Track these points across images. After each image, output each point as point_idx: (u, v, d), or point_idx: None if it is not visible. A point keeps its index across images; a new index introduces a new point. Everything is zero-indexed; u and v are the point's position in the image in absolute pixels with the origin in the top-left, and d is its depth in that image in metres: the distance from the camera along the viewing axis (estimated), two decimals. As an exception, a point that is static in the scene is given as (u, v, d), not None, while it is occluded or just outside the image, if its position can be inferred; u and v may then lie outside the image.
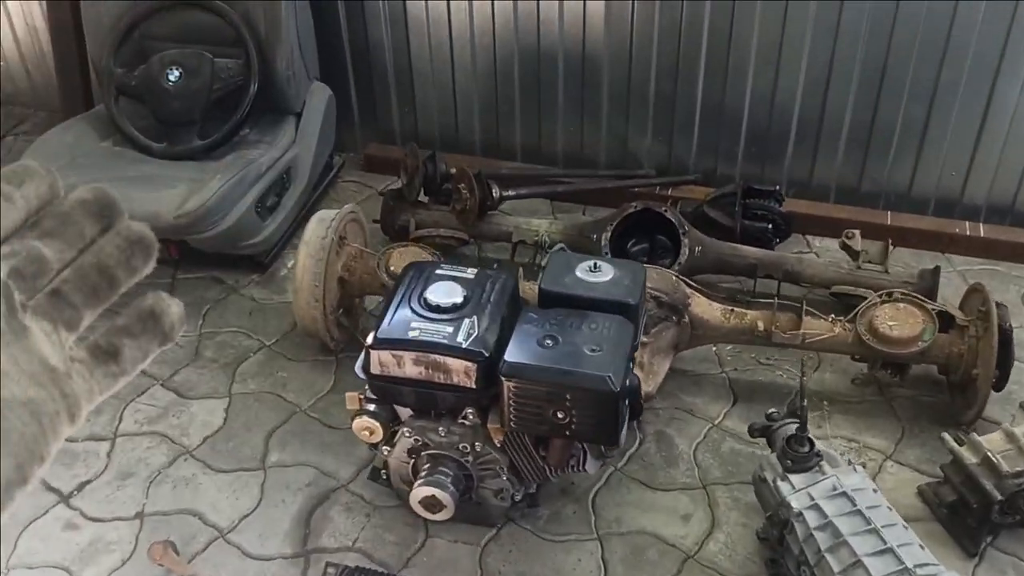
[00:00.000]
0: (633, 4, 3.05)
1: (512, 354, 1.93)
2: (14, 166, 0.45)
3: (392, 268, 2.58)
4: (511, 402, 1.94)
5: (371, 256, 2.70)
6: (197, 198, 2.74)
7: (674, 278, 2.55)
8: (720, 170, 3.32)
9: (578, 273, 2.16)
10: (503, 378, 1.92)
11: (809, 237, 3.19)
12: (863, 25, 2.88)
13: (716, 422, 2.55)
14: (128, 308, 0.47)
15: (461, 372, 1.99)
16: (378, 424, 2.12)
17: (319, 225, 2.61)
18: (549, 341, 1.95)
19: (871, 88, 2.99)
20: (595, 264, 2.16)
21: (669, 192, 3.30)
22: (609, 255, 2.92)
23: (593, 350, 1.93)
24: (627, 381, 1.92)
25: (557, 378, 1.89)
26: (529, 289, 2.50)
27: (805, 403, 2.04)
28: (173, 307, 0.49)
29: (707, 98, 3.18)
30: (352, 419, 2.14)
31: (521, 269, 2.70)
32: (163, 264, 3.04)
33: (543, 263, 2.86)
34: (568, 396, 1.89)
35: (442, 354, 1.98)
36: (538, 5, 3.13)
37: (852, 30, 2.90)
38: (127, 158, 2.98)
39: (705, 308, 2.53)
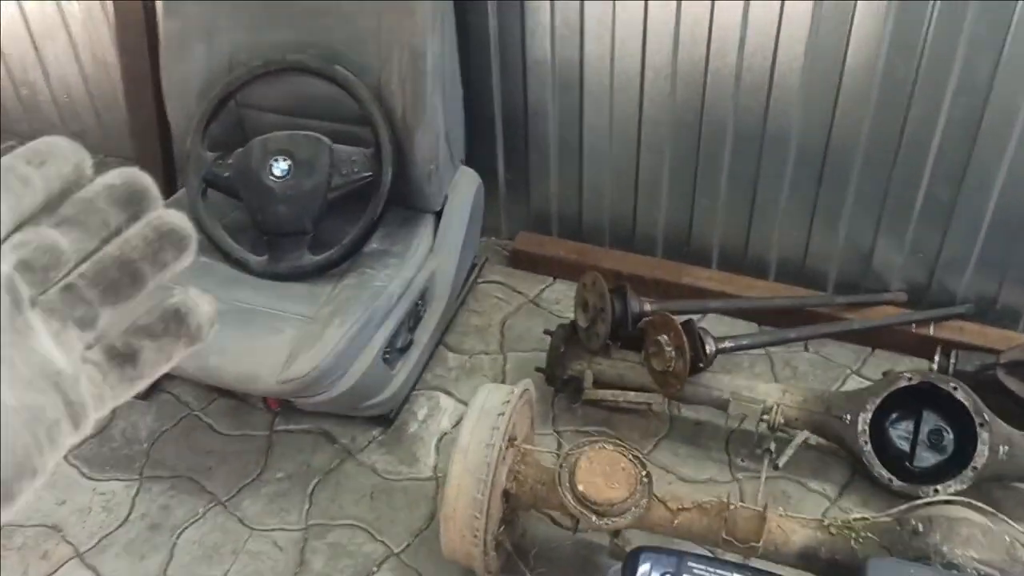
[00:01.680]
0: (914, 87, 2.16)
1: None
2: (38, 142, 0.39)
3: (581, 487, 1.80)
4: None
5: (545, 456, 1.93)
6: (309, 357, 2.00)
7: (1007, 539, 1.71)
8: (1002, 300, 2.44)
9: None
10: None
11: None
12: None
13: None
14: (151, 306, 0.40)
15: None
16: None
17: (481, 422, 1.84)
18: None
19: None
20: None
21: (931, 331, 2.44)
22: (868, 446, 2.09)
23: None
24: None
25: None
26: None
27: None
28: (202, 305, 0.41)
29: (1003, 209, 2.28)
30: None
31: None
32: (258, 412, 2.32)
33: (772, 452, 2.06)
34: None
35: None
36: (772, 72, 2.26)
37: None
38: (216, 276, 2.23)
39: (1058, 592, 1.69)
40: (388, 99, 2.21)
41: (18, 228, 0.38)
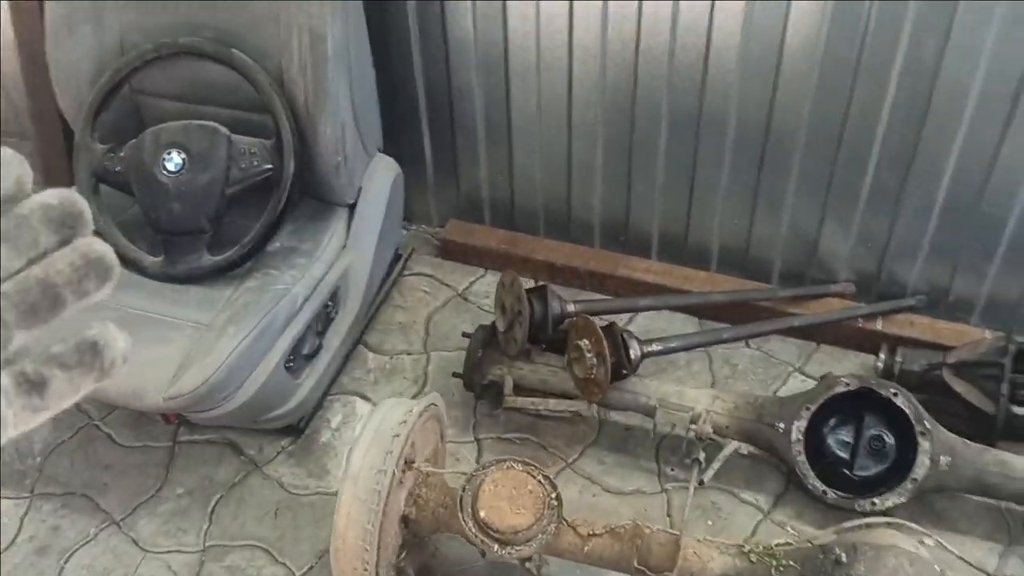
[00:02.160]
0: (858, 66, 1.99)
1: None
2: None
3: (483, 513, 1.66)
4: None
5: (447, 479, 1.79)
6: (198, 371, 1.85)
7: (937, 569, 1.58)
8: (955, 292, 2.29)
9: None
10: None
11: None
12: None
13: None
14: (68, 335, 0.39)
15: None
16: None
17: (375, 445, 1.69)
18: None
19: None
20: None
21: (879, 326, 2.29)
22: (802, 456, 1.96)
23: None
24: None
25: None
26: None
27: None
28: (119, 342, 0.40)
29: (953, 198, 2.13)
30: None
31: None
32: (159, 424, 2.18)
33: (701, 462, 1.94)
34: None
35: None
36: (707, 51, 2.09)
37: None
38: (108, 278, 2.08)
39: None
40: (289, 86, 2.04)
41: None
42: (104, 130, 2.16)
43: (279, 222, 2.07)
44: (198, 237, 2.07)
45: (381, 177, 2.28)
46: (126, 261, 2.09)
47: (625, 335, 2.01)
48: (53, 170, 2.50)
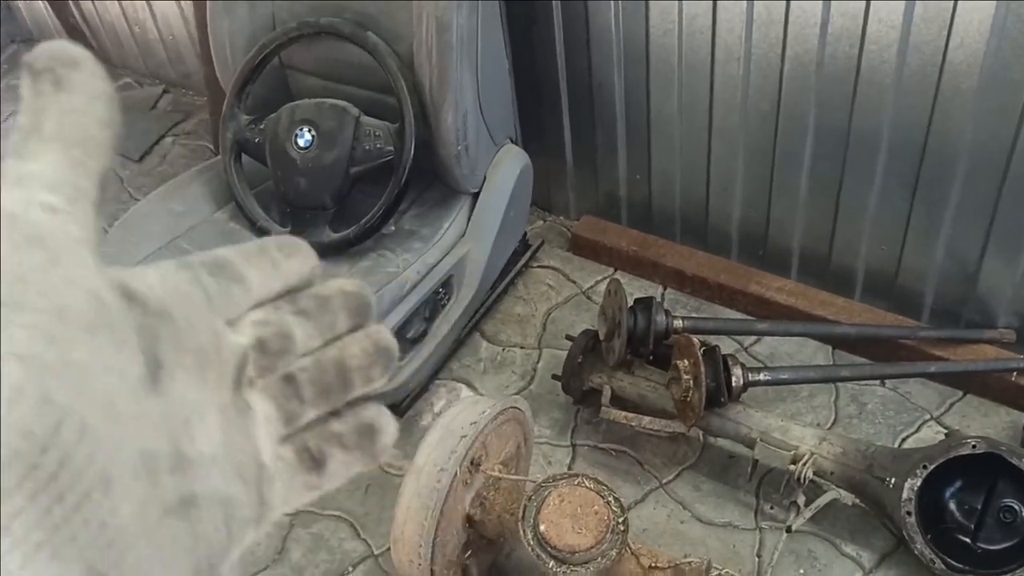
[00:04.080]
0: (1031, 89, 1.75)
1: None
2: (286, 238, 0.38)
3: (543, 527, 1.62)
4: None
5: (516, 487, 1.76)
6: (296, 344, 1.91)
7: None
8: None
9: None
10: None
11: None
12: None
13: None
14: (347, 415, 0.37)
15: None
16: None
17: (443, 443, 1.69)
18: None
19: None
20: None
21: (1035, 381, 2.04)
22: (912, 518, 1.77)
23: None
24: None
25: None
26: None
27: None
28: (391, 427, 0.38)
29: None
30: None
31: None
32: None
33: (800, 507, 1.80)
34: None
35: None
36: (859, 62, 1.91)
37: None
38: (239, 245, 2.19)
39: None
40: (418, 71, 2.05)
41: (259, 307, 0.37)
42: (256, 101, 2.26)
43: (396, 205, 2.09)
44: (321, 213, 2.14)
45: (507, 168, 2.25)
46: (257, 229, 2.20)
47: (729, 360, 1.89)
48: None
